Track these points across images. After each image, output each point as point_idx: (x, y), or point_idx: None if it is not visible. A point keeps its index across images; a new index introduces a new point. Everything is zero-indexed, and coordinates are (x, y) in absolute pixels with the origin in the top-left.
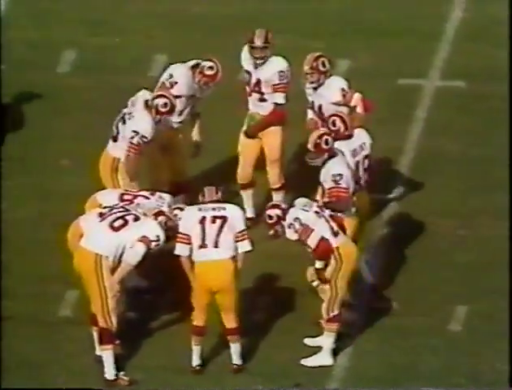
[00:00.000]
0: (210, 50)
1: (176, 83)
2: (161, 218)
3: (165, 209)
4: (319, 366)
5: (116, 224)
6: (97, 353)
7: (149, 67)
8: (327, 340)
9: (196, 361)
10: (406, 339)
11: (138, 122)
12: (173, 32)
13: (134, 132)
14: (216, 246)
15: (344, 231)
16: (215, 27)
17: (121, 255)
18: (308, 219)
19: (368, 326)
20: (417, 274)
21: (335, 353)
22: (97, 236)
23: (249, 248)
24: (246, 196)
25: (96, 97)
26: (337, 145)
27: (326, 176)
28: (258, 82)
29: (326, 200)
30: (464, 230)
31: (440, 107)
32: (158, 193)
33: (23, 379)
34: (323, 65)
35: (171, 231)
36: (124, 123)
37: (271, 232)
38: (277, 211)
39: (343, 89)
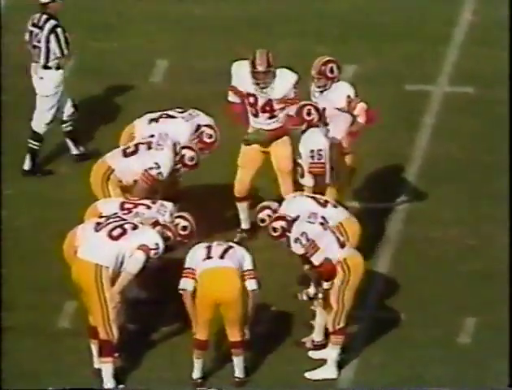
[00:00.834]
0: (211, 54)
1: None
2: (157, 228)
3: (166, 218)
4: (324, 379)
5: (115, 233)
6: (96, 366)
7: (151, 71)
8: (332, 353)
9: (197, 374)
10: (413, 350)
11: (164, 158)
12: (175, 36)
13: (156, 164)
14: (222, 258)
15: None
16: (217, 31)
17: (121, 265)
18: (314, 233)
19: (374, 337)
20: (424, 284)
21: (340, 365)
22: (95, 247)
23: (255, 287)
24: (242, 208)
25: (96, 103)
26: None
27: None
28: (268, 102)
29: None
30: (472, 238)
31: (449, 113)
32: (159, 202)
33: (23, 389)
34: (331, 71)
35: (170, 241)
36: (149, 149)
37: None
38: (282, 223)
39: (349, 96)
